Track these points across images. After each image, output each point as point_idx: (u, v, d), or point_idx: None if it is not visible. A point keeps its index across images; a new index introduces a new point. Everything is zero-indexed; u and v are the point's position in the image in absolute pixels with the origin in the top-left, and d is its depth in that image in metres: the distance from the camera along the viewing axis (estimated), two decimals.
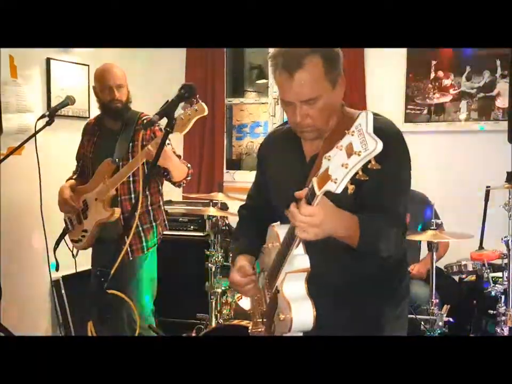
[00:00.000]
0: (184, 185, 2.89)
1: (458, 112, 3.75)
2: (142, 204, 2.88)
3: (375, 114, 1.53)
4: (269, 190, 1.80)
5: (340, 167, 1.21)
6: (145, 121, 2.80)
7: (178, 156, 2.86)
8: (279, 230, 1.56)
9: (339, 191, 1.23)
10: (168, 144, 2.78)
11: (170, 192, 3.06)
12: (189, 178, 2.88)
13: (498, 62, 3.59)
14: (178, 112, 2.35)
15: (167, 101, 1.63)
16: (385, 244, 1.52)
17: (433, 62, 3.78)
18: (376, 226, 1.49)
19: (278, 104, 4.62)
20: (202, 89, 4.64)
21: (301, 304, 1.50)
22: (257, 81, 5.35)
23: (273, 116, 4.65)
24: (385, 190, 1.50)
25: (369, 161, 1.19)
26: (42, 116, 2.86)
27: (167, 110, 1.60)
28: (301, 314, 1.49)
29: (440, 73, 3.77)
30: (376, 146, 1.17)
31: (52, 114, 2.86)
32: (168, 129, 1.61)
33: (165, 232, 3.08)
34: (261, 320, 1.74)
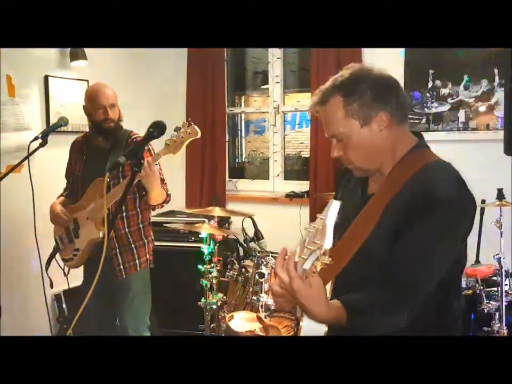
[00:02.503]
0: (160, 208, 2.92)
1: (456, 121, 3.69)
2: (133, 222, 2.92)
3: (433, 167, 1.46)
4: None
5: (307, 246, 1.15)
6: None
7: (162, 180, 2.87)
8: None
9: (306, 267, 1.19)
10: (156, 164, 2.81)
11: (172, 202, 3.08)
12: (165, 204, 2.90)
13: (496, 71, 3.53)
14: (171, 134, 2.40)
15: (135, 141, 1.64)
16: (387, 321, 1.39)
17: (431, 71, 3.72)
18: (363, 310, 1.37)
19: (278, 113, 4.61)
20: (202, 99, 4.66)
21: None
22: (262, 86, 5.33)
23: (274, 125, 4.63)
24: (406, 257, 1.39)
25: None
26: (36, 138, 2.91)
27: (134, 150, 1.60)
28: None
29: (438, 83, 3.71)
30: (323, 242, 1.09)
31: (44, 136, 2.91)
32: (136, 169, 1.61)
33: (168, 244, 3.14)
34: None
